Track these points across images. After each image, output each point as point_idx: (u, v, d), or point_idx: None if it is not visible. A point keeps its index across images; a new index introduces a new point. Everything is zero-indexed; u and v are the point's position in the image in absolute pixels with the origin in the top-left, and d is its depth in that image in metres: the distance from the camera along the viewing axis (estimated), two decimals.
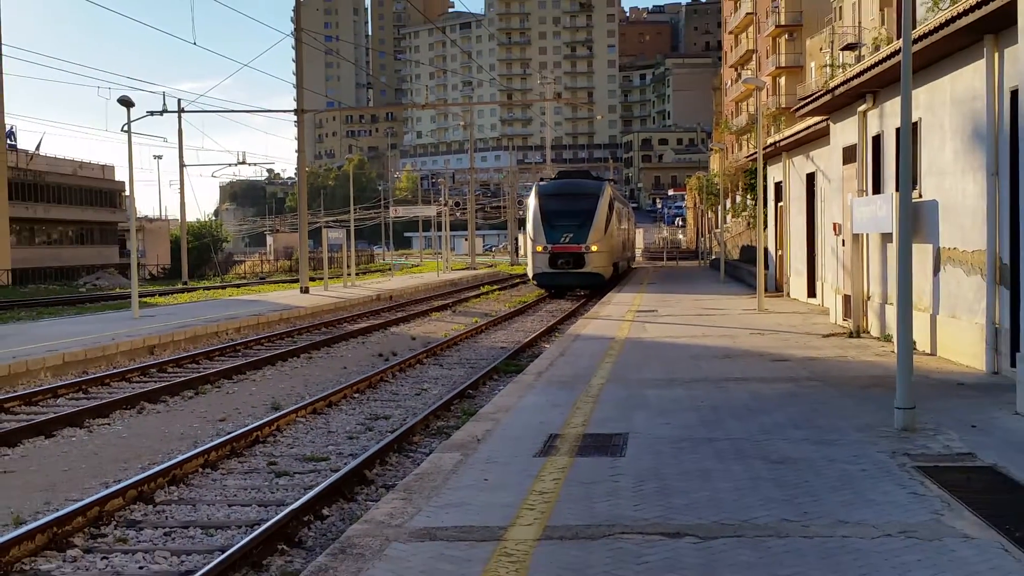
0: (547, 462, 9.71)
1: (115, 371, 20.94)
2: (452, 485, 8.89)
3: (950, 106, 16.36)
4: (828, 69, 56.59)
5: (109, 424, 15.39)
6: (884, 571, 6.30)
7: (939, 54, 16.08)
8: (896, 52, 15.34)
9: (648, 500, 8.20)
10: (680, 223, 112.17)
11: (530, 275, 46.38)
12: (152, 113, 44.75)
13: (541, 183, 46.98)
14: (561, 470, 9.35)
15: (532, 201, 45.60)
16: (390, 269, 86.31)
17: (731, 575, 6.32)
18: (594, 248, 41.29)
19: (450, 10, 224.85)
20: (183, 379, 19.42)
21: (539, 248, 42.53)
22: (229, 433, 13.77)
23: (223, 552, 8.37)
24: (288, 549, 8.90)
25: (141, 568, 8.52)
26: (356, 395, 17.80)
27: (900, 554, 6.60)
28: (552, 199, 44.50)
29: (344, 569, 6.55)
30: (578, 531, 7.34)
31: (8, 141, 77.25)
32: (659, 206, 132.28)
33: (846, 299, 22.98)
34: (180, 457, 12.13)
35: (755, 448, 10.15)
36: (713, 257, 66.51)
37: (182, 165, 57.70)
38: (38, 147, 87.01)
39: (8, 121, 76.01)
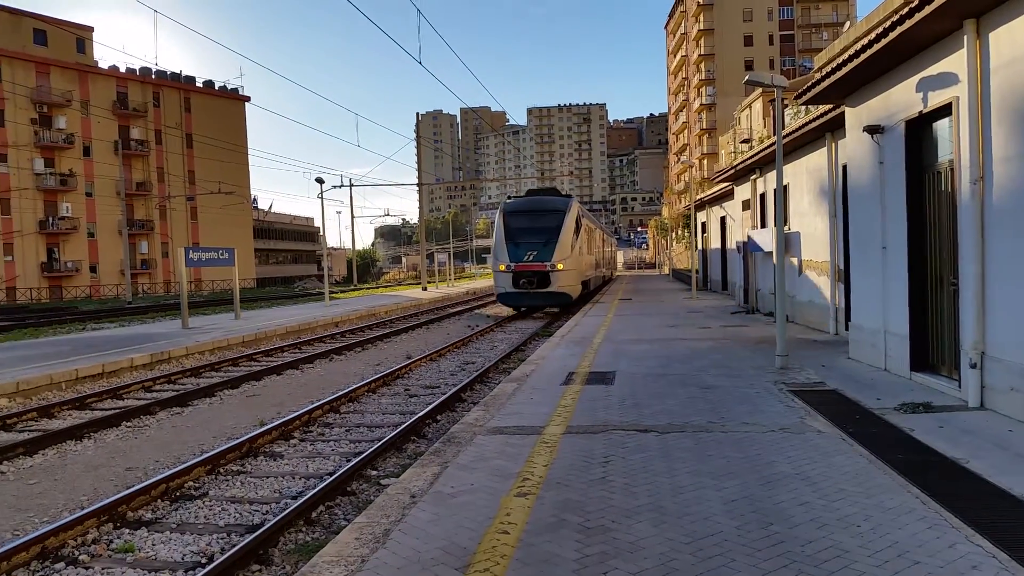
0: (568, 388, 10.12)
1: (315, 337, 21.96)
2: (512, 402, 9.31)
3: (806, 175, 16.85)
4: (733, 154, 58.16)
5: (313, 367, 16.21)
6: (772, 451, 6.69)
7: (799, 143, 16.69)
8: (772, 144, 15.73)
9: (628, 411, 8.57)
10: (645, 247, 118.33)
11: (496, 295, 29.16)
12: (335, 187, 52.64)
13: (508, 200, 30.50)
14: (576, 393, 9.75)
15: (497, 219, 29.41)
16: (472, 276, 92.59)
17: (678, 453, 6.70)
18: (559, 266, 26.88)
19: (507, 123, 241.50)
20: (354, 341, 20.31)
21: (502, 267, 27.56)
22: (381, 372, 14.38)
23: (379, 442, 8.90)
24: (417, 439, 9.41)
25: (332, 450, 9.01)
26: (455, 350, 18.49)
27: (780, 442, 7.00)
28: (517, 216, 28.69)
29: (449, 451, 7.02)
30: (586, 428, 7.72)
31: (254, 204, 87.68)
32: (632, 237, 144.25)
33: (744, 291, 23.82)
34: (354, 386, 12.72)
35: (692, 380, 10.51)
36: (667, 270, 70.23)
37: (352, 216, 63.16)
38: (270, 207, 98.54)
39: (253, 192, 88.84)
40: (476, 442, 7.38)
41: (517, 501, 5.59)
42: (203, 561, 5.82)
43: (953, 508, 5.18)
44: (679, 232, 72.59)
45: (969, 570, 4.26)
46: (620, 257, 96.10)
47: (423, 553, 4.69)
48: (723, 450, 6.84)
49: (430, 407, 10.75)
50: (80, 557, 5.94)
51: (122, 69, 73.38)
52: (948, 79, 8.69)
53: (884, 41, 8.87)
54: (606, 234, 51.09)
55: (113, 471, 8.51)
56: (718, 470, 6.25)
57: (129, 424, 10.91)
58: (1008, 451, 6.55)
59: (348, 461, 8.48)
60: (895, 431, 7.37)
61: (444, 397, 11.54)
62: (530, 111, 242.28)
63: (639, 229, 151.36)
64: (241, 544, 5.75)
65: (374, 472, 8.03)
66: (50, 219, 64.48)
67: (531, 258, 27.30)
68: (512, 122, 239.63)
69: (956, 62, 8.44)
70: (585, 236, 31.51)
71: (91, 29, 72.14)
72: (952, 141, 8.77)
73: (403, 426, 9.56)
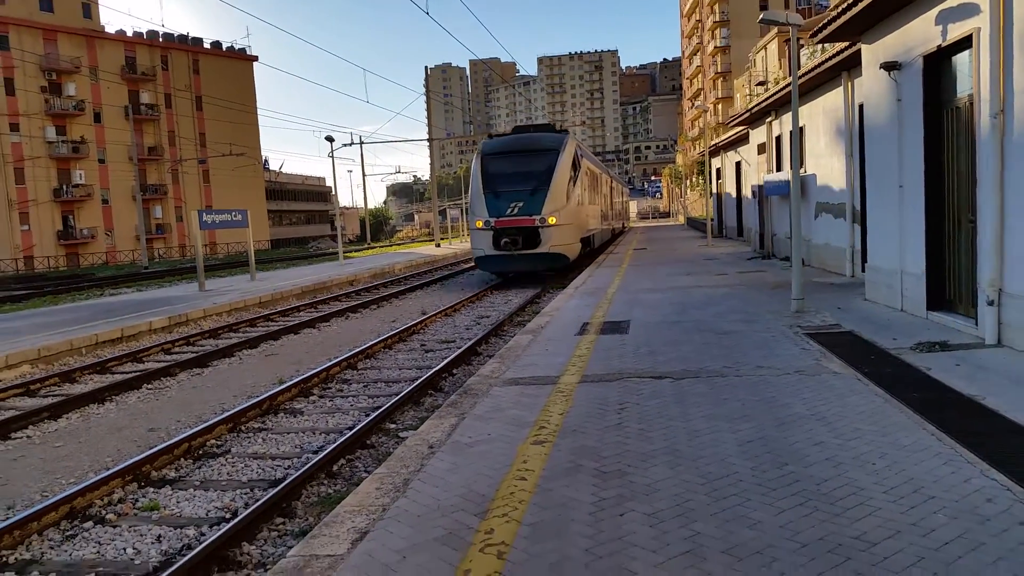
0: (582, 338, 10.17)
1: (331, 296, 22.13)
2: (527, 353, 9.36)
3: (822, 115, 16.66)
4: (748, 98, 57.25)
5: (330, 326, 16.35)
6: (786, 393, 6.70)
7: (815, 84, 16.47)
8: (788, 85, 15.82)
9: (642, 358, 8.59)
10: (659, 196, 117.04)
11: (473, 259, 24.17)
12: (345, 145, 53.01)
13: (488, 140, 24.66)
14: (591, 342, 9.79)
15: (474, 163, 23.54)
16: None
17: (693, 399, 6.72)
18: (552, 220, 21.34)
19: (517, 74, 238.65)
20: (370, 299, 20.41)
21: (479, 223, 21.98)
22: (397, 329, 14.48)
23: (397, 396, 9.02)
24: (434, 392, 9.49)
25: (351, 405, 9.13)
26: (469, 304, 18.56)
27: (795, 384, 7.00)
28: (497, 159, 22.86)
29: (465, 402, 7.10)
30: (601, 377, 7.75)
31: (264, 166, 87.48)
32: (646, 186, 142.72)
33: (760, 236, 23.80)
34: (370, 342, 12.82)
35: (707, 326, 10.51)
36: (682, 219, 69.92)
37: (364, 175, 62.64)
38: (280, 168, 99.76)
39: (264, 154, 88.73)
40: (492, 393, 7.45)
41: (534, 449, 5.65)
42: (227, 516, 5.95)
43: (968, 444, 5.19)
44: (693, 179, 72.13)
45: (984, 503, 4.28)
46: (633, 207, 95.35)
47: (442, 501, 4.77)
48: (738, 394, 6.86)
49: (446, 361, 10.82)
50: (107, 516, 6.09)
51: (129, 33, 73.00)
52: (969, 10, 8.48)
53: None
54: (615, 180, 43.25)
55: (136, 432, 8.68)
56: (733, 413, 6.27)
57: (150, 386, 11.09)
58: None
59: (367, 415, 8.58)
60: (911, 370, 7.35)
61: (459, 351, 11.62)
62: (540, 60, 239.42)
63: (653, 178, 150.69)
64: (264, 498, 5.87)
65: (392, 425, 8.14)
66: (64, 187, 64.82)
67: (516, 211, 21.49)
68: (522, 72, 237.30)
69: None
70: (586, 181, 25.64)
71: None
72: (972, 75, 8.59)
73: (419, 380, 9.66)
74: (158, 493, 6.57)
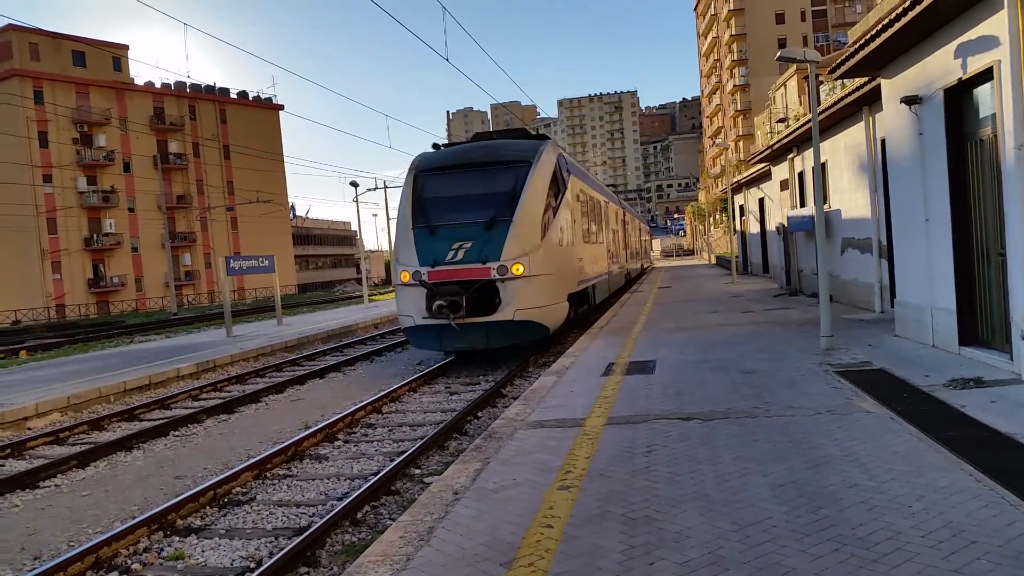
0: (608, 379, 10.05)
1: (356, 339, 22.25)
2: (552, 395, 9.25)
3: (844, 151, 16.59)
4: (769, 135, 57.50)
5: (355, 370, 16.32)
6: (818, 434, 6.55)
7: (836, 119, 16.41)
8: (808, 121, 15.40)
9: (669, 399, 8.47)
10: (682, 233, 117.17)
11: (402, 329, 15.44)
12: (369, 190, 54.02)
13: (426, 153, 16.34)
14: (616, 383, 9.68)
15: (404, 187, 15.74)
16: None
17: (722, 440, 6.60)
18: (517, 269, 13.67)
19: (538, 116, 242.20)
20: (395, 342, 20.36)
21: (404, 276, 14.23)
22: (421, 372, 14.34)
23: (421, 440, 8.95)
24: (459, 436, 9.40)
25: (376, 450, 9.09)
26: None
27: (827, 424, 6.86)
28: (437, 179, 15.26)
29: (490, 446, 7.00)
30: (627, 419, 7.65)
31: (292, 211, 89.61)
32: (670, 224, 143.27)
33: (786, 273, 23.44)
34: (395, 386, 12.77)
35: (734, 365, 10.36)
36: (706, 256, 69.77)
37: (388, 218, 63.71)
38: (307, 213, 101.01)
39: (290, 200, 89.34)
40: (517, 436, 7.37)
41: (560, 494, 5.55)
42: (252, 565, 5.89)
43: (1009, 485, 5.02)
44: (717, 217, 72.07)
45: None
46: (657, 245, 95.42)
47: (467, 549, 4.68)
48: (768, 435, 6.73)
49: (469, 404, 10.77)
50: (133, 566, 6.06)
51: (157, 84, 74.81)
52: (988, 43, 8.44)
53: (921, 6, 8.65)
54: (628, 212, 36.32)
55: (162, 480, 8.67)
56: (764, 455, 6.14)
57: (177, 433, 11.11)
58: None
59: (391, 460, 8.52)
60: (945, 408, 7.19)
61: (483, 393, 11.58)
62: (560, 103, 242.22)
63: (676, 216, 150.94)
64: (289, 547, 5.82)
65: (417, 471, 8.07)
66: (94, 236, 66.02)
67: (460, 256, 13.83)
68: (543, 115, 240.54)
69: (996, 24, 8.18)
70: (577, 210, 17.61)
71: (126, 47, 73.68)
72: (994, 107, 8.51)
73: (444, 424, 9.60)
74: (183, 542, 6.53)
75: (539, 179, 14.74)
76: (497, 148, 15.70)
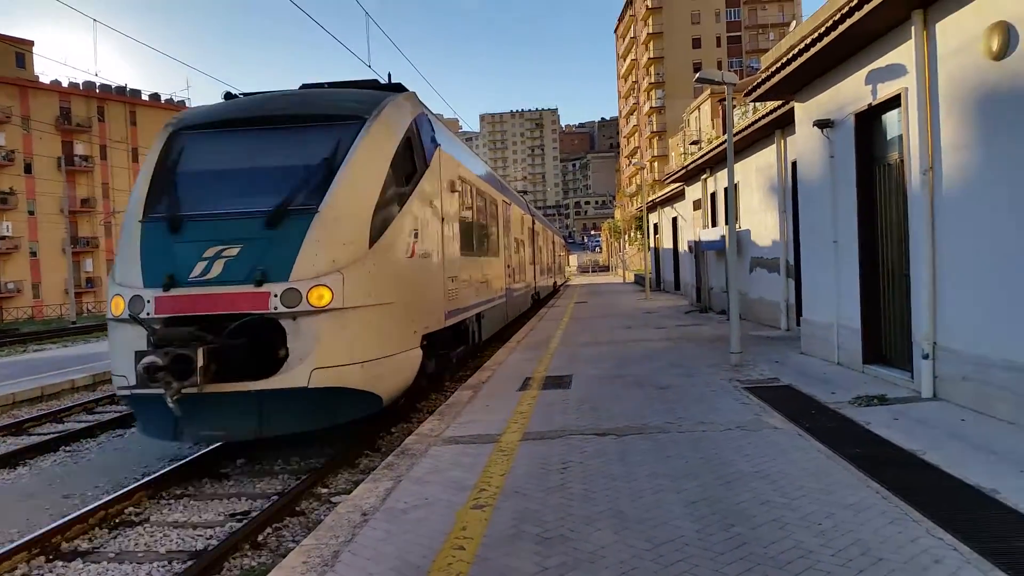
0: (524, 394, 9.93)
1: None
2: (467, 410, 9.06)
3: (756, 172, 16.98)
4: (683, 156, 59.00)
5: None
6: (729, 450, 6.59)
7: (749, 142, 16.80)
8: (722, 143, 15.79)
9: (585, 414, 8.40)
10: (598, 250, 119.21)
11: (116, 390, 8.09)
12: None
13: (195, 108, 9.72)
14: (533, 398, 9.57)
15: (147, 158, 8.81)
16: None
17: (637, 455, 6.57)
18: (319, 296, 7.33)
19: (460, 129, 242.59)
20: None
21: (117, 304, 7.53)
22: None
23: (331, 457, 8.58)
24: (371, 453, 9.02)
25: (282, 467, 8.57)
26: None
27: (738, 440, 6.92)
28: (200, 145, 8.72)
29: (402, 464, 6.75)
30: (543, 434, 7.53)
31: None
32: (587, 240, 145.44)
33: (697, 290, 24.10)
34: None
35: (648, 381, 10.39)
36: (621, 271, 71.10)
37: None
38: None
39: None
40: (431, 453, 7.16)
41: (473, 514, 5.38)
42: None
43: (913, 502, 5.11)
44: (632, 234, 73.44)
45: (932, 564, 4.17)
46: (574, 260, 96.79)
47: (374, 574, 4.46)
48: (681, 450, 6.73)
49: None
50: None
51: (64, 83, 71.57)
52: (897, 70, 8.74)
53: (835, 33, 8.90)
54: (540, 222, 31.16)
55: (49, 500, 8.10)
56: (677, 471, 6.12)
57: (68, 448, 10.45)
58: (963, 441, 6.55)
59: (298, 479, 8.17)
60: (851, 425, 7.33)
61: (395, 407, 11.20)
62: (483, 117, 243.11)
63: (593, 232, 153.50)
64: (182, 572, 5.45)
65: (324, 490, 7.75)
66: None
67: (216, 271, 7.73)
68: (465, 128, 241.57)
69: (904, 53, 8.48)
70: (448, 203, 11.94)
71: (31, 43, 70.33)
72: (902, 132, 8.81)
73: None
74: (67, 567, 6.07)
75: (374, 148, 8.78)
76: (311, 99, 9.63)
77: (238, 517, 7.05)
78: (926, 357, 8.20)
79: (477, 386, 10.94)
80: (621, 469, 6.28)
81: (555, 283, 41.03)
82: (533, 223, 27.36)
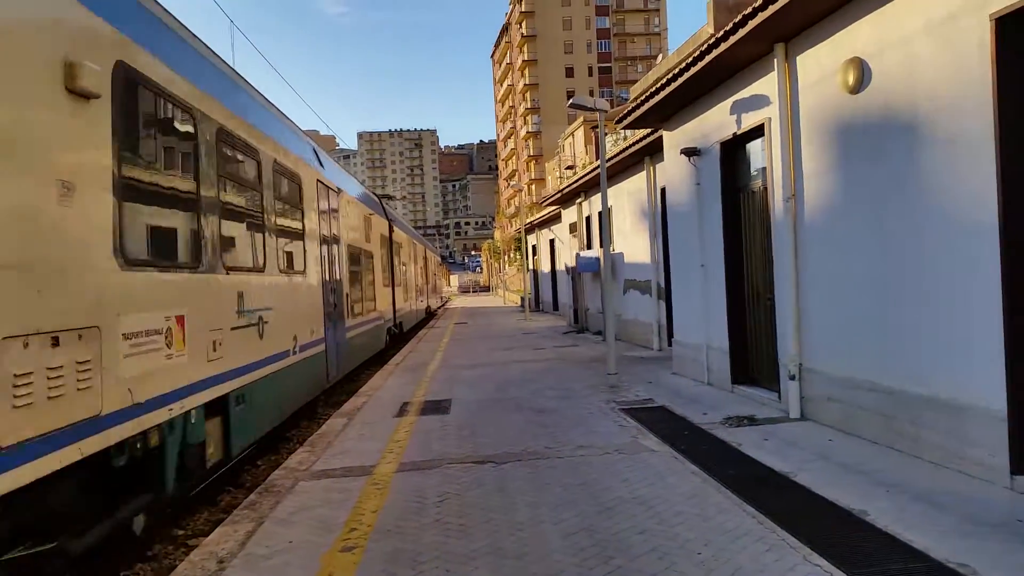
0: (402, 420, 9.58)
1: None
2: (340, 439, 8.65)
3: (627, 197, 17.26)
4: (559, 180, 60.42)
5: None
6: (607, 475, 6.49)
7: (620, 168, 17.03)
8: (596, 168, 16.08)
9: (464, 441, 8.17)
10: (479, 270, 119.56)
11: None
12: None
13: None
14: (410, 425, 9.23)
15: None
16: None
17: (516, 484, 6.38)
18: None
19: (338, 146, 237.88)
20: None
21: None
22: None
23: (185, 494, 7.62)
24: (233, 489, 8.33)
25: None
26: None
27: (615, 464, 6.85)
28: None
29: (266, 502, 6.29)
30: (420, 464, 7.23)
31: None
32: (467, 261, 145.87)
33: (574, 311, 24.30)
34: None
35: (527, 403, 10.27)
36: (501, 293, 71.45)
37: None
38: None
39: None
40: (298, 489, 6.69)
41: (341, 557, 4.99)
42: None
43: (788, 526, 5.10)
44: (511, 255, 74.11)
45: None
46: (456, 280, 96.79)
47: None
48: (560, 477, 6.58)
49: (244, 452, 9.57)
50: None
51: None
52: (760, 101, 8.98)
53: (702, 63, 9.07)
54: (408, 234, 27.30)
55: None
56: (556, 500, 5.94)
57: None
58: (831, 461, 6.67)
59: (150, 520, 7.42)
60: (723, 446, 7.38)
61: (260, 435, 10.54)
62: (360, 135, 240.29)
63: (473, 253, 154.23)
64: None
65: (180, 531, 7.10)
66: None
67: None
68: (343, 146, 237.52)
69: (767, 84, 8.73)
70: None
71: None
72: (765, 161, 9.05)
73: (213, 476, 8.53)
74: None
75: None
76: None
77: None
78: (793, 378, 8.40)
79: (352, 413, 10.48)
80: (500, 500, 6.04)
81: (428, 307, 35.10)
82: (391, 229, 21.17)
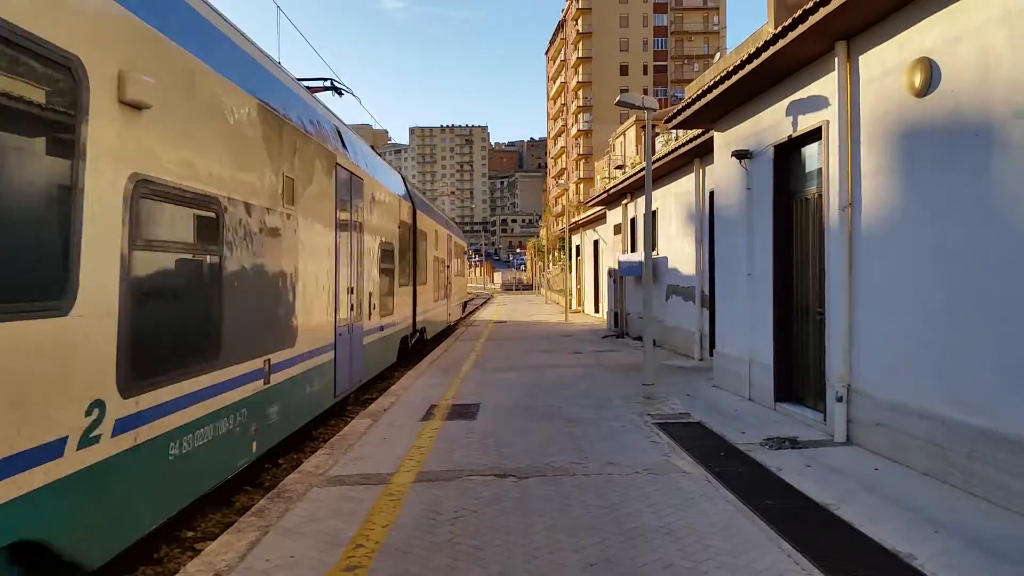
0: (426, 424, 9.28)
1: None
2: (362, 442, 8.38)
3: (674, 200, 16.82)
4: (607, 179, 59.75)
5: None
6: (634, 498, 6.13)
7: (669, 169, 16.58)
8: (643, 169, 14.95)
9: (488, 451, 7.84)
10: (523, 268, 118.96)
11: None
12: None
13: None
14: (435, 430, 8.95)
15: None
16: None
17: (536, 504, 6.03)
18: None
19: (389, 141, 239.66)
20: None
21: None
22: None
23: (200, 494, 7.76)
24: (250, 489, 8.14)
25: None
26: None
27: (644, 485, 6.48)
28: None
29: (275, 509, 6.05)
30: (439, 475, 6.91)
31: None
32: (512, 258, 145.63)
33: (615, 315, 23.82)
34: None
35: (558, 412, 9.89)
36: (544, 291, 70.77)
37: None
38: None
39: None
40: (310, 496, 6.41)
41: None
42: None
43: (826, 568, 4.66)
44: (556, 254, 73.55)
45: None
46: (499, 278, 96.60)
47: None
48: (584, 498, 6.20)
49: (264, 449, 9.49)
50: None
51: None
52: (818, 103, 8.45)
53: (757, 61, 8.57)
54: (419, 208, 19.66)
55: None
56: (578, 524, 5.56)
57: None
58: (876, 494, 6.19)
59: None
60: (762, 471, 6.92)
61: (286, 435, 10.32)
62: (412, 130, 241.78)
63: (518, 250, 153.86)
64: None
65: (190, 533, 6.88)
66: None
67: None
68: (394, 141, 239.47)
69: (827, 85, 8.20)
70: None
71: None
72: (821, 166, 8.51)
73: (230, 475, 8.34)
74: None
75: None
76: None
77: None
78: (840, 400, 7.87)
79: (378, 414, 10.21)
80: (518, 521, 5.67)
81: (448, 318, 26.21)
82: (414, 216, 17.90)
